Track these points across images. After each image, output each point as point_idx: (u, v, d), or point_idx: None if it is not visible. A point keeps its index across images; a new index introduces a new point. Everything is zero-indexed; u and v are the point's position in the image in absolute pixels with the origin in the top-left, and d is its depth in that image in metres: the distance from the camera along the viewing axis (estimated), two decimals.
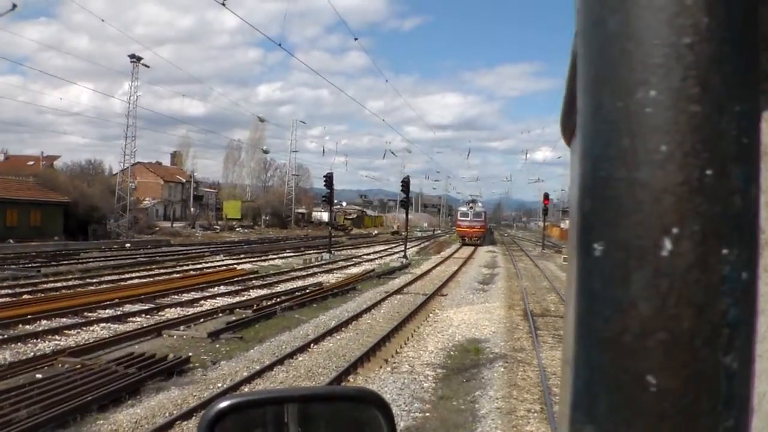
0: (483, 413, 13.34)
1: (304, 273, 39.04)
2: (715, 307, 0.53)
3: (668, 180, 0.54)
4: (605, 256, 0.56)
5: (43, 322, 20.45)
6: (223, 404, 1.74)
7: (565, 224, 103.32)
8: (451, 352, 18.93)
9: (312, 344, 18.71)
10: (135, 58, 71.35)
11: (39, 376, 14.23)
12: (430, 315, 24.84)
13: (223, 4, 32.65)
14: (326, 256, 50.43)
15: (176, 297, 26.75)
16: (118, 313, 22.62)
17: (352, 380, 15.36)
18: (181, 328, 20.46)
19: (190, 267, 40.01)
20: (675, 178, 0.53)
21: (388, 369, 16.54)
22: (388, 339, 19.47)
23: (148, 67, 72.66)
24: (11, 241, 50.48)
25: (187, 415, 12.03)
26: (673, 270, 0.53)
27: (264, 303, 25.29)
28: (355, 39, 27.59)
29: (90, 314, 22.05)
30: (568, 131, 1.51)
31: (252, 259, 47.33)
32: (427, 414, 13.31)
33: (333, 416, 1.90)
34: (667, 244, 0.54)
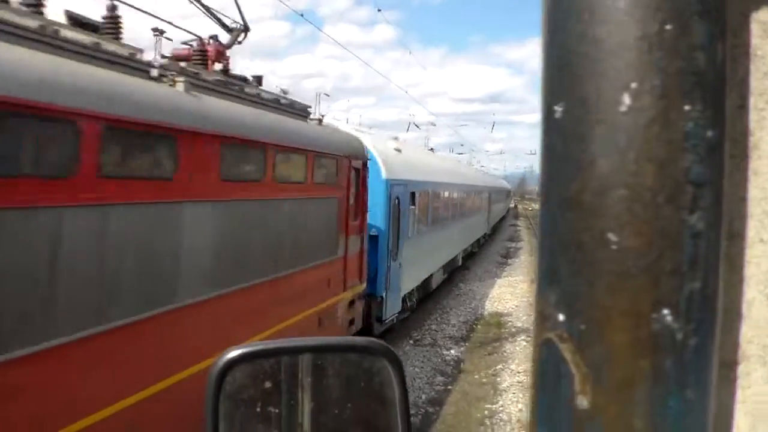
0: (504, 387, 13.37)
1: None
2: (677, 164, 0.53)
3: (627, 35, 0.53)
4: (565, 116, 0.56)
5: None
6: (233, 354, 1.73)
7: None
8: (474, 326, 18.93)
9: None
10: (158, 32, 71.31)
11: None
12: (453, 288, 24.84)
13: None
14: None
15: None
16: None
17: None
18: None
19: None
20: (634, 33, 0.53)
21: (411, 342, 16.59)
22: (412, 312, 19.54)
23: (171, 40, 72.67)
24: None
25: None
26: (633, 125, 0.53)
27: None
28: (379, 10, 27.56)
29: None
30: None
31: None
32: (449, 387, 13.35)
33: (342, 367, 1.89)
34: (626, 100, 0.53)
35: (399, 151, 18.35)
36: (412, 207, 17.70)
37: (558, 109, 0.56)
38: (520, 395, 12.69)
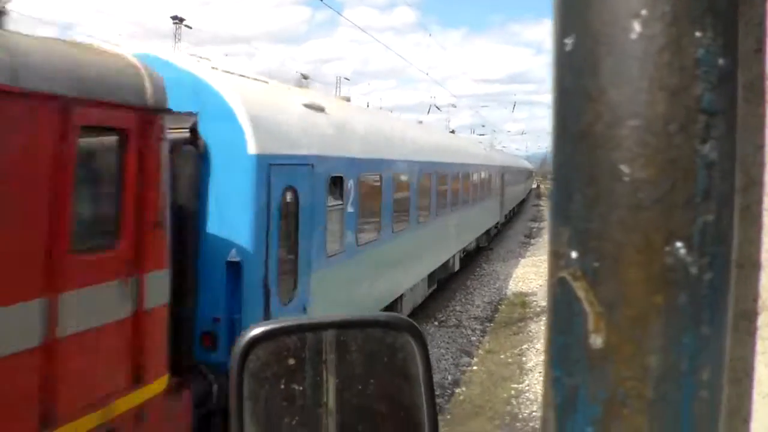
0: (530, 366, 13.37)
1: None
2: (689, 92, 0.51)
3: None
4: (575, 49, 0.54)
5: None
6: (256, 331, 1.73)
7: None
8: (498, 306, 18.91)
9: None
10: (177, 20, 71.65)
11: None
12: (477, 269, 24.81)
13: None
14: None
15: None
16: None
17: None
18: None
19: None
20: None
21: (436, 324, 16.61)
22: (435, 295, 19.57)
23: (190, 28, 73.02)
24: None
25: None
26: (644, 53, 0.52)
27: None
28: None
29: None
30: None
31: None
32: (475, 367, 13.35)
33: (366, 343, 1.88)
34: (636, 27, 0.51)
35: (318, 109, 9.95)
36: (339, 204, 10.36)
37: (568, 41, 0.54)
38: None
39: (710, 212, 0.52)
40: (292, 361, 1.81)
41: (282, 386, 1.83)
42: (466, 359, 13.91)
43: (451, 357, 13.91)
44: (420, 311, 16.68)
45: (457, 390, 12.17)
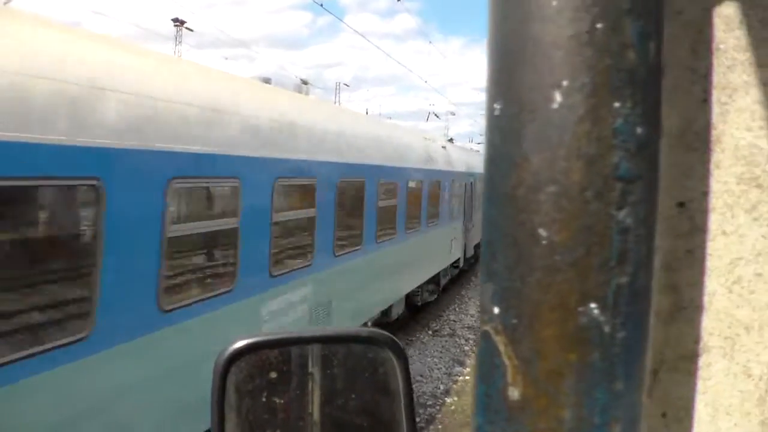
0: None
1: None
2: (605, 160, 0.54)
3: (559, 34, 0.54)
4: (503, 114, 0.57)
5: None
6: (239, 344, 1.75)
7: None
8: None
9: None
10: (178, 22, 71.47)
11: None
12: (472, 278, 24.82)
13: None
14: None
15: None
16: None
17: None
18: None
19: None
20: (566, 32, 0.54)
21: (429, 333, 16.61)
22: (429, 304, 19.56)
23: (191, 30, 72.84)
24: None
25: None
26: (563, 122, 0.54)
27: None
28: (398, 0, 27.44)
29: None
30: None
31: None
32: (467, 377, 13.36)
33: (348, 358, 1.91)
34: (558, 97, 0.54)
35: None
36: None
37: (497, 106, 0.57)
38: None
39: (625, 275, 0.54)
40: (274, 375, 1.84)
41: (264, 399, 1.85)
42: (458, 369, 13.91)
43: (444, 366, 13.91)
44: (414, 320, 16.67)
45: (449, 400, 12.17)
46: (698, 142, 0.75)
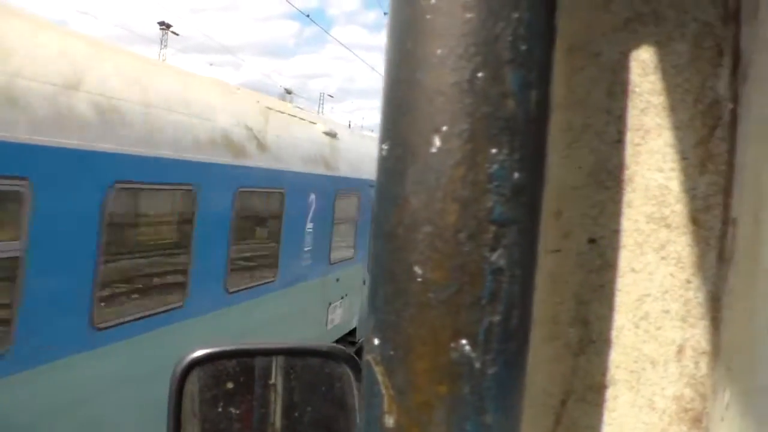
0: None
1: None
2: (480, 204, 0.56)
3: (441, 81, 0.56)
4: (389, 155, 0.59)
5: None
6: (197, 354, 1.76)
7: None
8: None
9: None
10: (164, 26, 69.59)
11: None
12: None
13: None
14: None
15: None
16: None
17: None
18: None
19: None
20: (447, 80, 0.56)
21: None
22: None
23: (177, 35, 71.05)
24: None
25: None
26: (441, 166, 0.56)
27: None
28: (385, 14, 27.19)
29: None
30: None
31: None
32: None
33: (305, 371, 1.92)
34: (437, 142, 0.56)
35: None
36: None
37: (385, 147, 0.59)
38: None
39: (497, 314, 0.56)
40: (230, 385, 1.84)
41: (219, 409, 1.85)
42: None
43: None
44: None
45: None
46: (611, 181, 0.79)
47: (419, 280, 0.56)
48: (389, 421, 0.57)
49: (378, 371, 0.58)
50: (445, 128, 0.56)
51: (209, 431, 1.85)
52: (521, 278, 0.57)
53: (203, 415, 1.84)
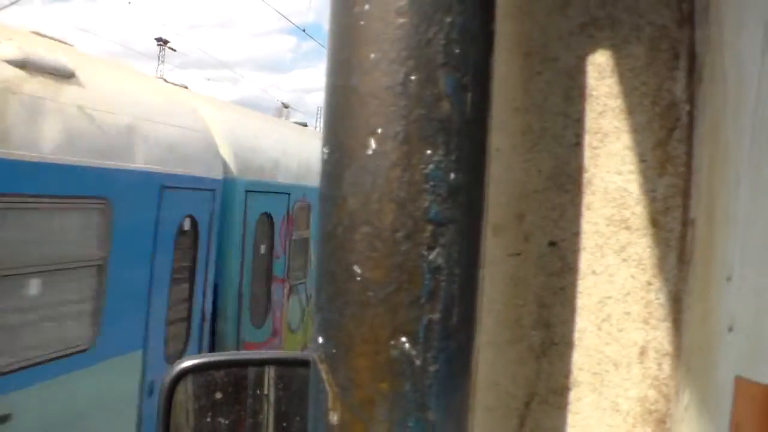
0: None
1: None
2: (416, 204, 0.57)
3: (374, 85, 0.58)
4: (328, 158, 0.61)
5: None
6: (186, 364, 1.76)
7: None
8: None
9: None
10: (162, 42, 69.66)
11: None
12: None
13: None
14: None
15: None
16: None
17: None
18: None
19: None
20: (380, 83, 0.58)
21: None
22: None
23: (174, 50, 71.11)
24: None
25: None
26: (377, 168, 0.58)
27: None
28: None
29: None
30: None
31: None
32: None
33: (294, 381, 1.92)
34: (372, 144, 0.58)
35: None
36: None
37: (325, 151, 0.61)
38: None
39: (436, 311, 0.57)
40: (220, 395, 1.84)
41: (209, 419, 1.85)
42: None
43: None
44: None
45: None
46: (570, 184, 0.80)
47: (358, 279, 0.57)
48: (333, 417, 0.58)
49: (322, 369, 0.59)
50: (380, 131, 0.57)
51: None
52: (461, 277, 0.58)
53: (193, 425, 1.84)
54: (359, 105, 0.58)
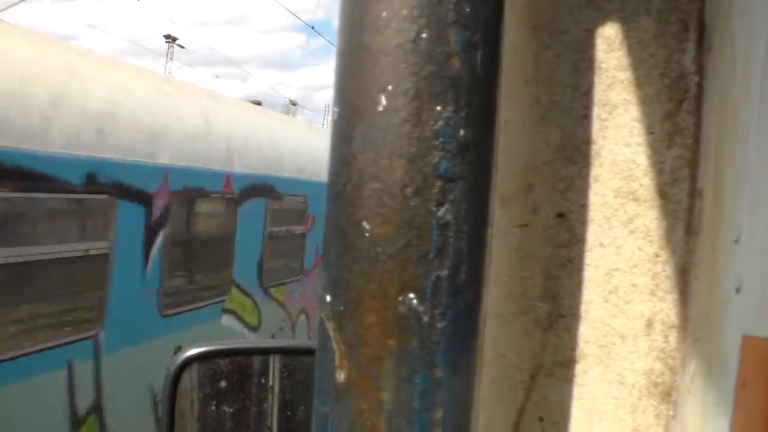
0: None
1: None
2: (426, 160, 0.58)
3: (386, 43, 0.59)
4: (339, 117, 0.62)
5: None
6: (191, 352, 1.76)
7: None
8: None
9: None
10: (170, 39, 69.86)
11: None
12: None
13: None
14: None
15: None
16: None
17: None
18: None
19: None
20: (392, 41, 0.58)
21: None
22: None
23: (183, 47, 71.21)
24: None
25: None
26: (387, 124, 0.58)
27: None
28: None
29: None
30: None
31: None
32: None
33: (298, 369, 1.92)
34: (383, 101, 0.58)
35: None
36: None
37: (336, 110, 0.62)
38: None
39: (444, 268, 0.57)
40: (224, 384, 1.84)
41: (213, 407, 1.85)
42: None
43: None
44: None
45: None
46: (578, 156, 0.80)
47: (367, 235, 0.58)
48: (341, 375, 0.58)
49: (330, 327, 0.59)
50: (390, 87, 0.57)
51: (203, 429, 1.85)
52: (470, 234, 0.58)
53: (197, 413, 1.84)
54: (370, 63, 0.58)
